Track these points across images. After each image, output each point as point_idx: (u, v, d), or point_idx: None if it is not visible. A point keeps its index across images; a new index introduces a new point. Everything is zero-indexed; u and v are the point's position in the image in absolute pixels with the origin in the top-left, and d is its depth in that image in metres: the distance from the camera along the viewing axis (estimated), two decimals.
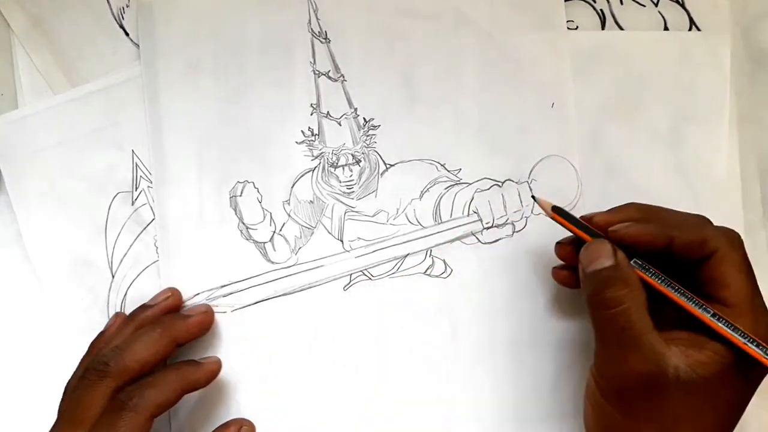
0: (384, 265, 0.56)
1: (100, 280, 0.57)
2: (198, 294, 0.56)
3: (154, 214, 0.57)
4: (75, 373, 0.51)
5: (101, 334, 0.53)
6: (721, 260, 0.46)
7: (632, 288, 0.45)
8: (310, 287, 0.56)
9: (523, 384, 0.55)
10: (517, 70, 0.57)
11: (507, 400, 0.55)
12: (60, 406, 0.50)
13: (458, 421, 0.55)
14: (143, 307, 0.54)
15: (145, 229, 0.57)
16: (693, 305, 0.45)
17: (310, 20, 0.58)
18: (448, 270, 0.56)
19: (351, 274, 0.56)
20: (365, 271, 0.56)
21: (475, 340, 0.55)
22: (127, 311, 0.56)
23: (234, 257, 0.56)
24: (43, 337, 0.56)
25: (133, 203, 0.57)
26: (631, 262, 0.46)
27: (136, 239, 0.57)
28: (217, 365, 0.53)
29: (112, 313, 0.56)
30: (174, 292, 0.55)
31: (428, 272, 0.56)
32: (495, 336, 0.55)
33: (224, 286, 0.56)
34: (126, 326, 0.52)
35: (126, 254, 0.57)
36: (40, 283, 0.57)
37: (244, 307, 0.56)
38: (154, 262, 0.57)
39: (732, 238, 0.47)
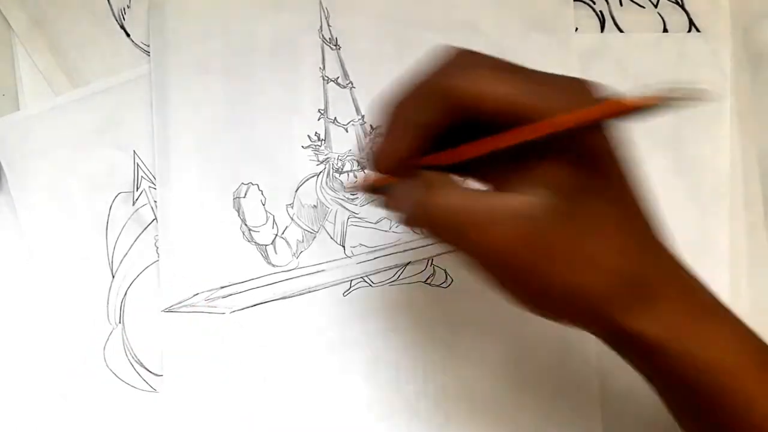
0: (385, 272, 0.56)
1: (100, 280, 0.57)
2: (197, 294, 0.56)
3: (154, 215, 0.57)
4: None
5: None
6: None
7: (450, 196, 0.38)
8: (310, 291, 0.56)
9: (521, 393, 0.55)
10: None
11: (506, 410, 0.55)
12: None
13: (456, 428, 0.55)
14: None
15: (145, 229, 0.57)
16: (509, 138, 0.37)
17: (321, 26, 0.58)
18: (449, 280, 0.56)
19: (351, 280, 0.56)
20: (366, 278, 0.56)
21: (474, 351, 0.55)
22: (127, 311, 0.56)
23: (235, 259, 0.56)
24: (44, 336, 0.56)
25: (134, 203, 0.57)
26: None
27: (136, 239, 0.57)
28: None
29: (111, 313, 0.56)
30: None
31: (429, 281, 0.56)
32: (494, 346, 0.55)
33: (224, 287, 0.56)
34: None
35: (126, 254, 0.57)
36: (42, 282, 0.57)
37: (243, 309, 0.56)
38: (154, 262, 0.57)
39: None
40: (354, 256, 0.56)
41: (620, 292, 0.38)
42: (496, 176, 0.39)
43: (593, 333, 0.41)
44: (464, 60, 0.38)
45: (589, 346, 0.54)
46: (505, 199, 0.37)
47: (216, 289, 0.56)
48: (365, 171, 0.57)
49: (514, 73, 0.38)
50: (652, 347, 0.39)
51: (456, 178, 0.39)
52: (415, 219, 0.40)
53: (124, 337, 0.56)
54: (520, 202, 0.37)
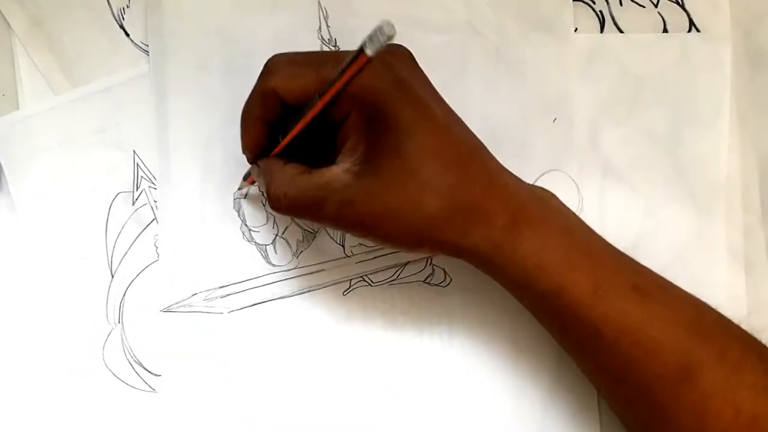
0: (384, 271, 0.56)
1: (99, 279, 0.57)
2: (196, 294, 0.56)
3: (154, 215, 0.57)
4: None
5: None
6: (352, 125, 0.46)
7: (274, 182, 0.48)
8: (310, 291, 0.56)
9: (520, 393, 0.55)
10: (522, 84, 0.57)
11: (504, 409, 0.55)
12: None
13: (454, 428, 0.55)
14: None
15: (145, 229, 0.57)
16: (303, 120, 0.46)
17: (320, 27, 0.58)
18: (448, 279, 0.56)
19: (351, 280, 0.56)
20: (365, 277, 0.56)
21: (473, 350, 0.56)
22: (127, 311, 0.56)
23: (234, 259, 0.56)
24: (43, 336, 0.56)
25: (133, 203, 0.57)
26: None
27: (136, 239, 0.57)
28: None
29: (110, 313, 0.56)
30: None
31: (428, 281, 0.56)
32: (493, 346, 0.55)
33: (223, 287, 0.56)
34: None
35: (126, 254, 0.57)
36: (41, 282, 0.57)
37: (242, 308, 0.56)
38: (154, 262, 0.57)
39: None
40: (354, 255, 0.56)
41: (451, 221, 0.45)
42: (329, 153, 0.47)
43: (449, 255, 0.48)
44: (275, 64, 0.47)
45: None
46: (323, 175, 0.45)
47: (215, 288, 0.56)
48: None
49: (309, 67, 0.46)
50: (486, 258, 0.46)
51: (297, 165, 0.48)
52: (271, 208, 0.48)
53: (123, 337, 0.56)
54: (332, 173, 0.45)
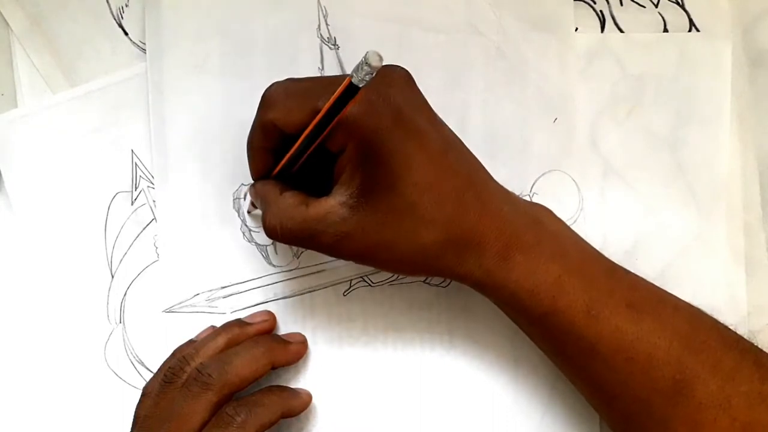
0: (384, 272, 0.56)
1: (99, 280, 0.57)
2: (198, 294, 0.56)
3: (153, 215, 0.57)
4: (156, 376, 0.51)
5: (190, 341, 0.53)
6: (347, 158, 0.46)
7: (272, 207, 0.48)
8: (310, 291, 0.56)
9: (520, 393, 0.55)
10: (523, 84, 0.57)
11: (504, 409, 0.55)
12: (140, 410, 0.50)
13: (454, 428, 0.55)
14: (239, 323, 0.54)
15: (144, 229, 0.57)
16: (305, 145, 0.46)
17: (319, 25, 0.57)
18: (448, 279, 0.55)
19: (351, 280, 0.56)
20: (365, 277, 0.56)
21: (473, 350, 0.56)
22: (127, 312, 0.56)
23: (235, 259, 0.56)
24: (43, 337, 0.56)
25: (132, 203, 0.57)
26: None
27: (135, 239, 0.57)
28: (310, 397, 0.54)
29: (111, 313, 0.56)
30: (271, 316, 0.55)
31: (428, 281, 0.56)
32: (493, 346, 0.55)
33: (224, 287, 0.56)
34: (217, 337, 0.52)
35: (125, 254, 0.57)
36: (41, 282, 0.57)
37: (244, 309, 0.56)
38: (154, 262, 0.57)
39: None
40: None
41: (445, 251, 0.47)
42: (328, 181, 0.48)
43: (444, 278, 0.51)
44: (273, 96, 0.48)
45: None
46: (319, 208, 0.46)
47: (217, 289, 0.56)
48: None
49: (306, 99, 0.46)
50: (479, 283, 0.48)
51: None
52: (267, 236, 0.49)
53: (125, 337, 0.56)
54: (328, 206, 0.46)
